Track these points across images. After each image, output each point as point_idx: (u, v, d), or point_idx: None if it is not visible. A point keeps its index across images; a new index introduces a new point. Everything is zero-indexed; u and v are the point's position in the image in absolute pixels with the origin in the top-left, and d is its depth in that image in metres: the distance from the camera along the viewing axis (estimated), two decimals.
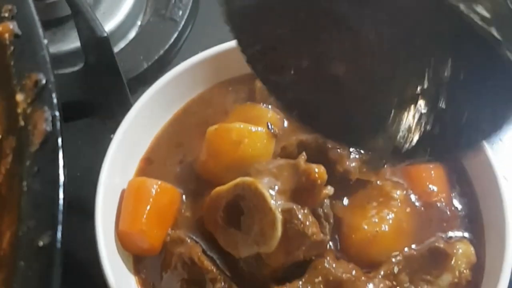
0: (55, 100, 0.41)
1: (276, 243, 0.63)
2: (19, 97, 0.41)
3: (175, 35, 0.93)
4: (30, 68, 0.42)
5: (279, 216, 0.63)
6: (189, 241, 0.68)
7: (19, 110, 0.40)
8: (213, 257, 0.68)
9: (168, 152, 0.77)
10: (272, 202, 0.63)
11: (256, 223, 0.64)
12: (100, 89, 0.89)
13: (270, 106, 0.78)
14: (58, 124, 0.40)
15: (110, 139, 0.73)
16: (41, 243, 0.36)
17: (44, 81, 0.41)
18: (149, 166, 0.76)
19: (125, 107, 0.78)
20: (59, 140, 0.39)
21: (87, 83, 0.89)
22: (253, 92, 0.79)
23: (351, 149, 0.68)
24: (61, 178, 0.38)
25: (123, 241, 0.69)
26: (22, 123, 0.40)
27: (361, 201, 0.70)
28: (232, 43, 0.80)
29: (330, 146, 0.68)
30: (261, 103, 0.78)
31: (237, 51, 0.80)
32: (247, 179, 0.66)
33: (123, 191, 0.72)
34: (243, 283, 0.66)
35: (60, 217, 0.37)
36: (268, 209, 0.63)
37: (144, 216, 0.69)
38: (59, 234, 0.36)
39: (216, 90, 0.81)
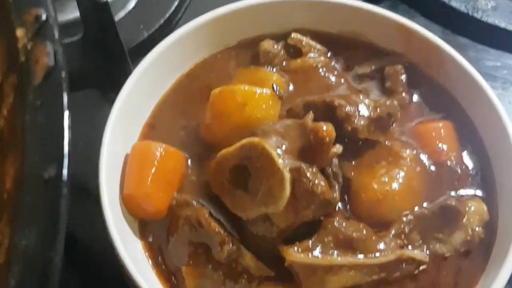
0: (56, 35, 0.40)
1: (285, 202, 0.61)
2: (19, 32, 0.39)
3: (176, 3, 0.91)
4: (29, 3, 0.40)
5: (287, 175, 0.61)
6: (195, 203, 0.67)
7: (20, 46, 0.39)
8: (220, 220, 0.67)
9: (171, 117, 0.76)
10: (280, 161, 0.62)
11: (264, 184, 0.63)
12: (101, 59, 0.88)
13: (274, 69, 0.77)
14: (61, 58, 0.38)
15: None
16: (46, 176, 0.35)
17: (44, 17, 0.40)
18: (152, 132, 0.75)
19: (127, 77, 0.76)
20: (63, 73, 0.38)
21: (87, 53, 0.88)
22: (256, 56, 0.78)
23: (359, 107, 0.67)
24: (65, 110, 0.37)
25: (128, 206, 0.68)
26: (23, 58, 0.38)
27: (369, 161, 0.68)
28: (236, 6, 0.79)
29: (337, 105, 0.67)
30: (265, 66, 0.77)
31: (240, 14, 0.80)
32: (254, 139, 0.64)
33: (126, 157, 0.71)
34: (251, 245, 0.65)
35: (66, 148, 0.35)
36: (276, 168, 0.62)
37: (149, 179, 0.67)
38: (65, 166, 0.35)
39: (219, 55, 0.79)
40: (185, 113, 0.76)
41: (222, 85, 0.74)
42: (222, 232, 0.64)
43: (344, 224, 0.63)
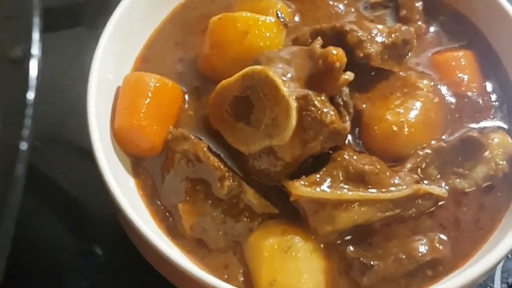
0: None
1: (291, 133, 0.56)
2: None
3: None
4: None
5: (293, 103, 0.56)
6: (193, 138, 0.61)
7: None
8: (221, 155, 0.61)
9: (166, 50, 0.70)
10: (285, 89, 0.56)
11: (268, 114, 0.57)
12: None
13: None
14: None
15: None
16: (13, 56, 0.29)
17: None
18: (146, 65, 0.69)
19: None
20: None
21: None
22: None
23: (372, 32, 0.61)
24: None
25: (120, 141, 0.63)
26: None
27: (383, 92, 0.63)
28: None
29: (348, 29, 0.61)
30: None
31: None
32: (257, 67, 0.59)
33: (118, 89, 0.65)
34: (254, 181, 0.60)
35: (36, 29, 0.30)
36: (281, 96, 0.56)
37: (142, 111, 0.62)
38: (35, 45, 0.29)
39: None
40: (182, 45, 0.70)
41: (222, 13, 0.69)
42: (222, 166, 0.59)
43: (355, 157, 0.58)
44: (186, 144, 0.61)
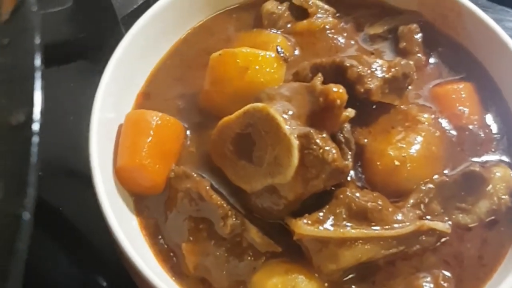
0: None
1: (293, 172, 0.56)
2: None
3: None
4: None
5: (295, 142, 0.56)
6: (195, 176, 0.61)
7: None
8: (223, 193, 0.61)
9: (167, 85, 0.70)
10: (287, 127, 0.56)
11: (269, 152, 0.57)
12: (92, 28, 0.83)
13: (279, 32, 0.71)
14: None
15: None
16: (14, 122, 0.29)
17: None
18: (147, 101, 0.69)
19: None
20: (34, 8, 0.32)
21: (77, 22, 0.82)
22: (259, 18, 0.72)
23: (372, 67, 0.61)
24: (37, 51, 0.31)
25: (122, 180, 0.62)
26: None
27: (384, 126, 0.63)
28: None
29: (348, 65, 0.61)
30: (269, 29, 0.71)
31: None
32: (258, 104, 0.59)
33: (120, 127, 0.65)
34: (257, 219, 0.60)
35: (38, 92, 0.30)
36: (283, 134, 0.56)
37: (144, 149, 0.62)
38: (36, 111, 0.29)
39: (218, 18, 0.74)
40: (182, 80, 0.70)
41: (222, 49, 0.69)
42: (225, 205, 0.59)
43: (357, 194, 0.58)
44: (189, 182, 0.61)
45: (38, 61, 0.30)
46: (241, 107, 0.60)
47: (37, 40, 0.31)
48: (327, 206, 0.58)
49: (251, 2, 0.74)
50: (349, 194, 0.58)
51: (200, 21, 0.73)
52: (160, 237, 0.61)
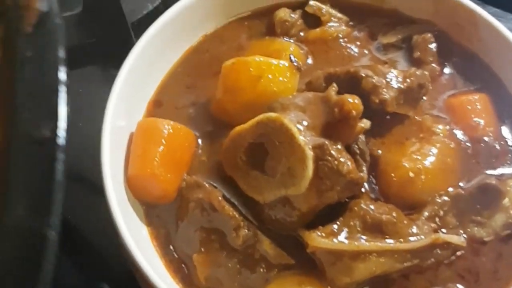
0: None
1: (307, 183, 0.55)
2: None
3: None
4: None
5: (309, 153, 0.55)
6: (207, 185, 0.60)
7: None
8: (235, 203, 0.61)
9: (178, 93, 0.69)
10: (301, 138, 0.56)
11: (283, 163, 0.57)
12: (101, 33, 0.82)
13: (292, 40, 0.70)
14: (55, 3, 0.32)
15: None
16: (39, 137, 0.29)
17: None
18: (158, 109, 0.68)
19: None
20: (58, 20, 0.31)
21: (86, 27, 0.82)
22: (271, 26, 0.71)
23: (387, 77, 0.60)
24: (61, 64, 0.31)
25: (133, 188, 0.62)
26: (9, 2, 0.32)
27: (398, 137, 0.62)
28: None
29: (363, 75, 0.60)
30: (282, 37, 0.71)
31: None
32: (271, 114, 0.58)
33: (131, 135, 0.65)
34: (269, 230, 0.59)
35: (63, 106, 0.29)
36: (297, 145, 0.56)
37: (156, 159, 0.61)
38: (62, 126, 0.29)
39: (230, 26, 0.73)
40: (194, 88, 0.70)
41: (234, 57, 0.68)
42: (237, 216, 0.58)
43: (372, 206, 0.57)
44: (201, 193, 0.60)
45: (62, 75, 0.30)
46: (254, 116, 0.60)
47: (61, 54, 0.31)
48: (341, 218, 0.57)
49: (262, 10, 0.73)
50: (364, 206, 0.57)
51: (211, 29, 0.73)
52: (171, 247, 0.61)
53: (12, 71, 0.31)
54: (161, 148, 0.62)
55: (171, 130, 0.63)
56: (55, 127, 0.28)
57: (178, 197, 0.62)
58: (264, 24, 0.72)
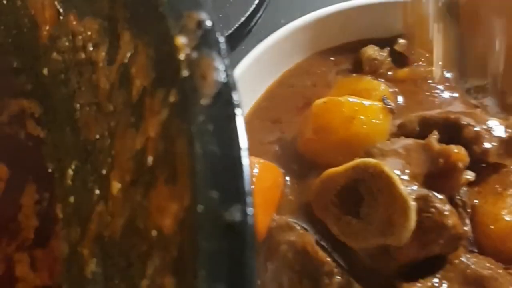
0: (223, 46, 0.32)
1: (409, 235, 0.54)
2: (180, 40, 0.32)
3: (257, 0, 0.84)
4: (188, 5, 0.33)
5: (412, 204, 0.53)
6: (299, 228, 0.60)
7: (181, 57, 0.32)
8: (326, 246, 0.60)
9: (263, 129, 0.69)
10: (403, 187, 0.55)
11: (381, 211, 0.55)
12: None
13: (381, 79, 0.69)
14: (232, 74, 0.31)
15: None
16: (229, 219, 0.28)
17: (209, 22, 0.33)
18: None
19: None
20: (234, 93, 0.31)
21: None
22: (359, 63, 0.70)
23: (488, 125, 0.59)
24: (242, 138, 0.30)
25: None
26: (186, 72, 0.31)
27: (494, 187, 0.61)
28: (332, 8, 0.72)
29: (465, 123, 0.59)
30: (369, 75, 0.70)
31: (338, 17, 0.73)
32: (370, 160, 0.57)
33: None
34: (362, 277, 0.58)
35: (248, 185, 0.28)
36: (398, 194, 0.54)
37: None
38: (249, 207, 0.28)
39: (315, 60, 0.72)
40: (279, 124, 0.69)
41: (320, 94, 0.68)
42: (330, 261, 0.57)
43: (473, 259, 0.56)
44: (293, 235, 0.59)
45: (245, 157, 0.29)
46: (344, 158, 0.59)
47: (241, 128, 0.30)
48: (441, 272, 0.56)
49: (349, 46, 0.72)
50: (464, 260, 0.56)
51: (296, 63, 0.72)
52: None
53: (190, 144, 0.30)
54: (252, 186, 0.61)
55: (261, 168, 0.62)
56: (244, 208, 0.28)
57: (268, 237, 0.61)
58: (350, 60, 0.72)
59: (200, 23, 0.33)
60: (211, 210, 0.28)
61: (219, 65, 0.32)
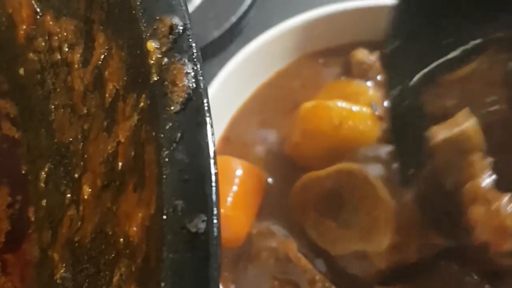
0: (195, 51, 0.32)
1: (390, 241, 0.54)
2: (151, 45, 0.31)
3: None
4: (161, 9, 0.32)
5: (394, 210, 0.54)
6: (280, 234, 0.59)
7: (151, 61, 0.31)
8: (306, 253, 0.59)
9: (249, 130, 0.68)
10: (385, 193, 0.54)
11: (362, 217, 0.55)
12: None
13: (369, 83, 0.69)
14: (202, 79, 0.31)
15: None
16: (194, 229, 0.27)
17: (181, 27, 0.32)
18: (228, 146, 0.67)
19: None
20: (205, 99, 0.30)
21: None
22: (348, 66, 0.69)
23: None
24: (211, 146, 0.29)
25: None
26: (155, 77, 0.31)
27: None
28: (323, 10, 0.71)
29: None
30: (358, 79, 0.69)
31: (329, 19, 0.72)
32: (352, 165, 0.57)
33: None
34: (344, 284, 0.57)
35: (215, 196, 0.28)
36: (380, 201, 0.54)
37: (230, 199, 0.60)
38: (215, 218, 0.28)
39: (305, 62, 0.71)
40: (266, 125, 0.68)
41: (309, 96, 0.67)
42: (312, 269, 0.57)
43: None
44: (274, 242, 0.59)
45: (213, 167, 0.28)
46: (329, 162, 0.59)
47: (211, 136, 0.29)
48: (420, 278, 0.56)
49: (338, 48, 0.71)
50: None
51: (285, 65, 0.71)
52: None
53: (158, 151, 0.29)
54: (235, 189, 0.61)
55: (244, 171, 0.62)
56: (211, 218, 0.27)
57: (247, 242, 0.60)
58: (339, 63, 0.71)
59: (172, 28, 0.32)
60: (175, 220, 0.28)
61: (190, 70, 0.31)
